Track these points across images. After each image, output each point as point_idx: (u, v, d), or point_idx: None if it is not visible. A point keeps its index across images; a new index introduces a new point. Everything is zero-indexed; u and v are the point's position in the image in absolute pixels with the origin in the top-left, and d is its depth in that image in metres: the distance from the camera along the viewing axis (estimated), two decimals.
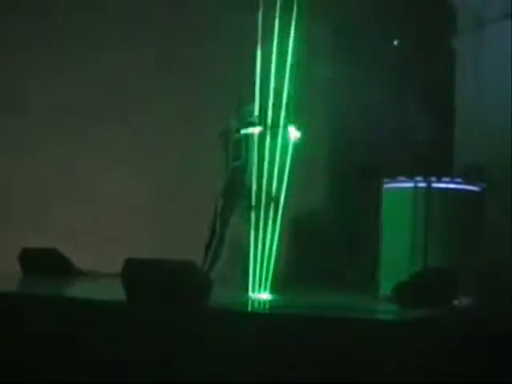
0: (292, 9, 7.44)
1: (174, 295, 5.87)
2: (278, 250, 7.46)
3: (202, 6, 10.24)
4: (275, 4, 7.44)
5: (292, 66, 7.47)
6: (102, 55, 10.41)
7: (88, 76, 10.48)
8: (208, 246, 7.71)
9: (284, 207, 7.46)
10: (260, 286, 7.46)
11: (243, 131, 7.69)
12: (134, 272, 6.18)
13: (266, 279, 7.45)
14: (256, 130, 7.64)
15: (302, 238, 8.04)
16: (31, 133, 10.56)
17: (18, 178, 10.49)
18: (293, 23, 7.44)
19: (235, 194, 7.70)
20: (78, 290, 8.29)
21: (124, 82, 10.40)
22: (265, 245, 7.46)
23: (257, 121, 7.64)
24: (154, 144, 10.37)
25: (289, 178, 7.44)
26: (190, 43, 10.23)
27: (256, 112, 7.63)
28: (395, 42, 9.54)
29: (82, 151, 10.57)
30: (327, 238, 9.72)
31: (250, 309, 6.72)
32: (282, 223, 7.48)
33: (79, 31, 10.47)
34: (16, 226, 10.12)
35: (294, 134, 7.63)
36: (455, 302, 7.13)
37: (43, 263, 8.58)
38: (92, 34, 10.45)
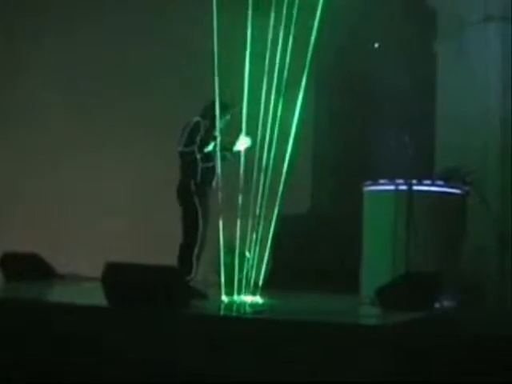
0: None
1: (154, 299, 5.85)
2: (263, 253, 7.45)
3: None
4: None
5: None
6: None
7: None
8: (190, 249, 7.50)
9: (270, 209, 7.45)
10: (244, 289, 7.43)
11: (235, 148, 7.60)
12: (115, 276, 6.15)
13: (251, 282, 7.43)
14: (243, 145, 7.61)
15: (287, 240, 8.00)
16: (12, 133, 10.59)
17: None
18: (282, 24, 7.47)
19: (207, 194, 7.60)
20: (58, 295, 8.25)
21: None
22: (249, 247, 7.43)
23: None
24: (138, 144, 10.34)
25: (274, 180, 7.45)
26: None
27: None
28: (376, 45, 9.54)
29: (64, 151, 10.56)
30: (313, 239, 9.71)
31: (231, 313, 6.70)
32: (268, 225, 7.47)
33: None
34: None
35: (243, 143, 7.62)
36: (438, 305, 7.13)
37: (24, 268, 8.53)
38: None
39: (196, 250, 7.38)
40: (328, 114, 9.98)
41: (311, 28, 7.54)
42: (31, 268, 8.59)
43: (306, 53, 7.61)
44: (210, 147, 7.51)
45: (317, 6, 7.52)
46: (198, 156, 7.48)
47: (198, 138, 7.49)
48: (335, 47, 9.48)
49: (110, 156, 10.39)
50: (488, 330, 5.83)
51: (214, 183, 7.55)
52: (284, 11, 7.48)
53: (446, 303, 7.35)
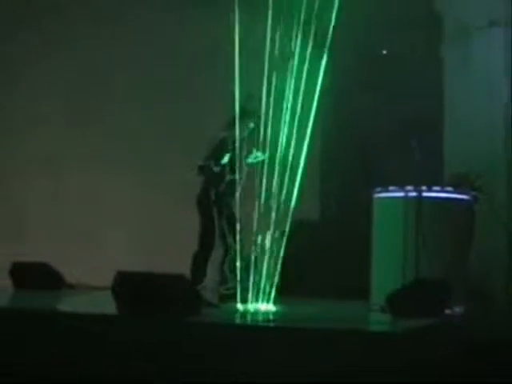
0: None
1: (165, 308, 5.86)
2: (276, 261, 7.45)
3: None
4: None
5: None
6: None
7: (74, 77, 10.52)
8: (203, 257, 7.42)
9: (283, 215, 7.44)
10: (258, 296, 7.42)
11: (250, 160, 7.52)
12: (126, 285, 6.16)
13: (264, 290, 7.42)
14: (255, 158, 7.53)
15: (296, 247, 7.98)
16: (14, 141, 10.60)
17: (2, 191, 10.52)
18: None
19: (228, 205, 7.54)
20: (68, 304, 8.26)
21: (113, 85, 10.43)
22: (263, 255, 7.43)
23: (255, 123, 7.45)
24: (144, 155, 10.34)
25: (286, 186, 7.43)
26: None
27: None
28: (384, 52, 9.55)
29: (68, 161, 10.56)
30: (323, 246, 9.70)
31: (243, 321, 6.70)
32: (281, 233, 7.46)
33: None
34: (4, 239, 10.12)
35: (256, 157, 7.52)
36: (448, 312, 7.13)
37: (34, 277, 8.55)
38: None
39: (209, 259, 7.37)
40: (335, 121, 9.98)
41: (323, 34, 7.54)
42: (41, 277, 8.61)
43: (315, 61, 7.61)
44: (226, 159, 7.44)
45: (325, 11, 7.53)
46: (216, 169, 7.41)
47: (217, 152, 7.43)
48: (341, 53, 9.48)
49: (116, 165, 10.39)
50: (497, 336, 5.83)
51: (236, 194, 7.42)
52: (295, 21, 7.48)
53: (455, 309, 7.35)
